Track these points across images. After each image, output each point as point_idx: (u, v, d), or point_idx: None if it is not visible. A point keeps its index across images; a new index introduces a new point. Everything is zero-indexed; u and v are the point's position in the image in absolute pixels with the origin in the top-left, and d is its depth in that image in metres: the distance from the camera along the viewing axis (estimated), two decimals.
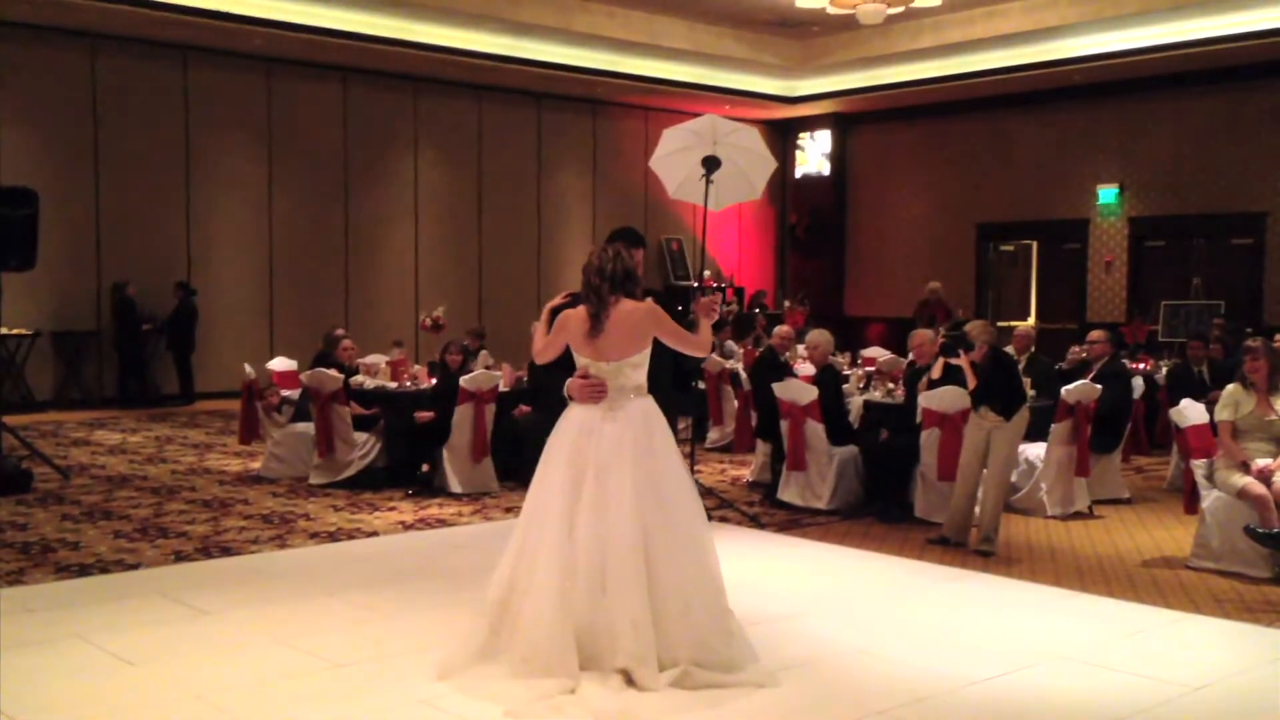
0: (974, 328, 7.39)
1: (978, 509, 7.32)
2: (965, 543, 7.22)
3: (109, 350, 14.52)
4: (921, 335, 8.79)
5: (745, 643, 4.72)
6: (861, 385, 9.64)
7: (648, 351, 4.67)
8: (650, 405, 4.70)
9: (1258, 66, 15.08)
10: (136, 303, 14.29)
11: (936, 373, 7.81)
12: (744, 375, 10.33)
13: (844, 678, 4.82)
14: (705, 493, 8.27)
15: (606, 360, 4.61)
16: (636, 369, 4.64)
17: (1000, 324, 17.68)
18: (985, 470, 7.27)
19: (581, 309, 4.68)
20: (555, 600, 4.44)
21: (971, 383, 7.23)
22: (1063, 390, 8.25)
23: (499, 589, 4.62)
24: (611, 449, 4.54)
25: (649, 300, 4.80)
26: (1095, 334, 9.28)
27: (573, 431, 4.63)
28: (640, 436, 4.58)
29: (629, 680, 4.41)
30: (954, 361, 7.35)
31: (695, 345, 4.78)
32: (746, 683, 4.52)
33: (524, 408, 9.29)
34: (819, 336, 9.06)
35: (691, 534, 4.63)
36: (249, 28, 13.82)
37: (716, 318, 4.85)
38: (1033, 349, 9.99)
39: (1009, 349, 10.19)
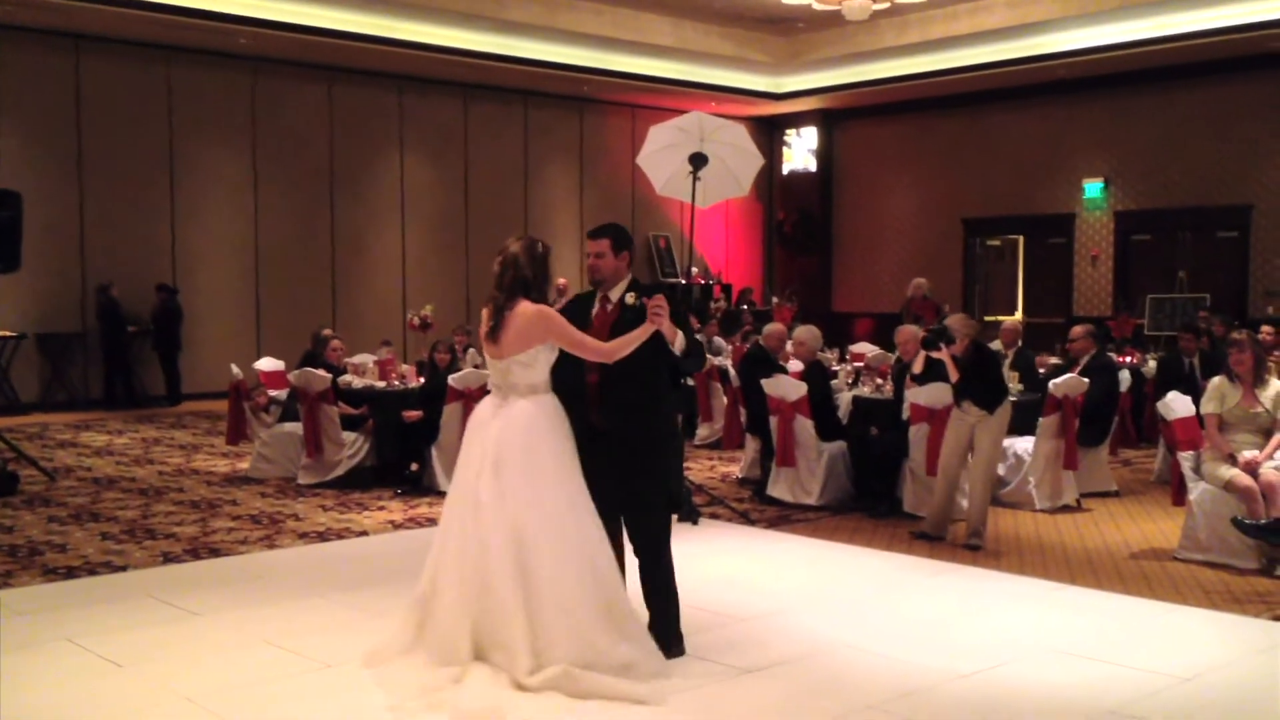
0: (955, 321, 7.41)
1: (964, 503, 7.34)
2: (944, 536, 7.25)
3: (94, 352, 14.46)
4: (907, 331, 8.80)
5: (647, 650, 4.59)
6: (850, 381, 9.65)
7: (535, 351, 4.61)
8: (537, 404, 4.62)
9: (1242, 60, 15.14)
10: (121, 304, 14.24)
11: (918, 367, 7.86)
12: (733, 372, 10.33)
13: (832, 672, 4.82)
14: (695, 490, 8.28)
15: (499, 358, 4.65)
16: (525, 368, 4.62)
17: (987, 319, 17.77)
18: (970, 465, 7.29)
19: (487, 309, 4.74)
20: (454, 591, 4.53)
21: (954, 376, 7.26)
22: (1050, 384, 8.28)
23: (423, 585, 4.70)
24: (494, 445, 4.56)
25: (543, 305, 4.69)
26: (1076, 330, 9.30)
27: (471, 427, 4.73)
28: (518, 435, 4.56)
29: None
30: (936, 355, 7.38)
31: (593, 353, 4.67)
32: (629, 696, 4.34)
33: None
34: (806, 332, 9.07)
35: (576, 532, 4.52)
36: (233, 27, 13.78)
37: (660, 322, 4.61)
38: (1019, 343, 10.01)
39: (995, 343, 10.23)
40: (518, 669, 4.37)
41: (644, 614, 4.90)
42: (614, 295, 4.94)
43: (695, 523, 7.66)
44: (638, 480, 4.83)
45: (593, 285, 5.03)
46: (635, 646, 4.55)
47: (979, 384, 7.19)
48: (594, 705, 4.31)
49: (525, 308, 4.63)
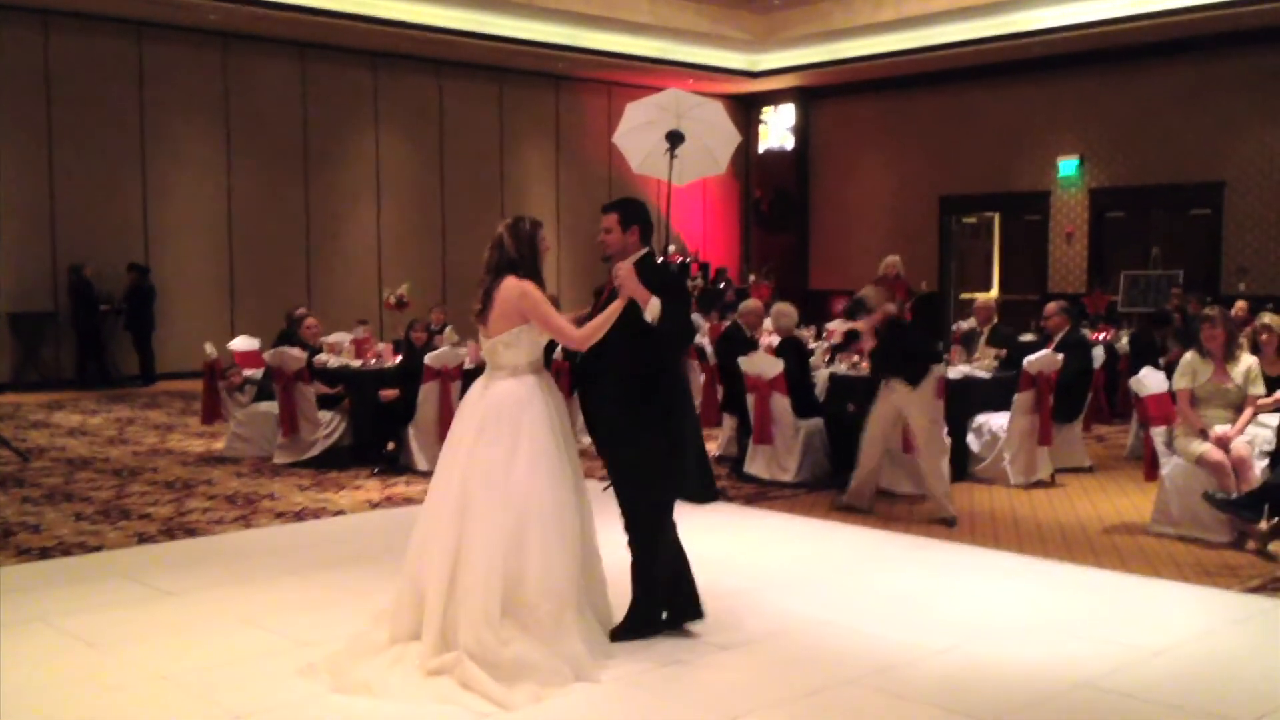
0: (868, 292, 7.54)
1: (938, 483, 7.37)
2: (866, 509, 7.37)
3: (67, 331, 14.34)
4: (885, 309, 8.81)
5: (558, 653, 4.36)
6: (827, 359, 9.67)
7: (518, 331, 4.59)
8: (518, 384, 4.60)
9: (1216, 37, 15.20)
10: (94, 283, 14.12)
11: (838, 338, 8.00)
12: (710, 349, 10.34)
13: (810, 648, 4.85)
14: None
15: (488, 337, 4.68)
16: (509, 348, 4.61)
17: (963, 296, 17.83)
18: (917, 447, 7.35)
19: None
20: (411, 571, 4.60)
21: (869, 342, 7.39)
22: (1025, 361, 8.32)
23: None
24: (476, 429, 4.56)
25: (527, 281, 4.64)
26: (1050, 307, 9.34)
27: (462, 407, 4.75)
28: (491, 417, 4.54)
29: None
30: (854, 326, 7.51)
31: (565, 337, 4.67)
32: (490, 696, 4.17)
33: None
34: (782, 309, 9.08)
35: (511, 518, 4.42)
36: (204, 2, 13.63)
37: (628, 290, 4.59)
38: (995, 320, 10.05)
39: (971, 321, 10.27)
40: (425, 650, 4.39)
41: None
42: None
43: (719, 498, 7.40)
44: (616, 466, 4.80)
45: (604, 261, 5.01)
46: (537, 647, 4.35)
47: (897, 355, 7.23)
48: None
49: (509, 283, 4.62)
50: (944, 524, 7.07)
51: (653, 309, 4.62)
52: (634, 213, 4.93)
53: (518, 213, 4.79)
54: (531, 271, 4.68)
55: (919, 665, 4.65)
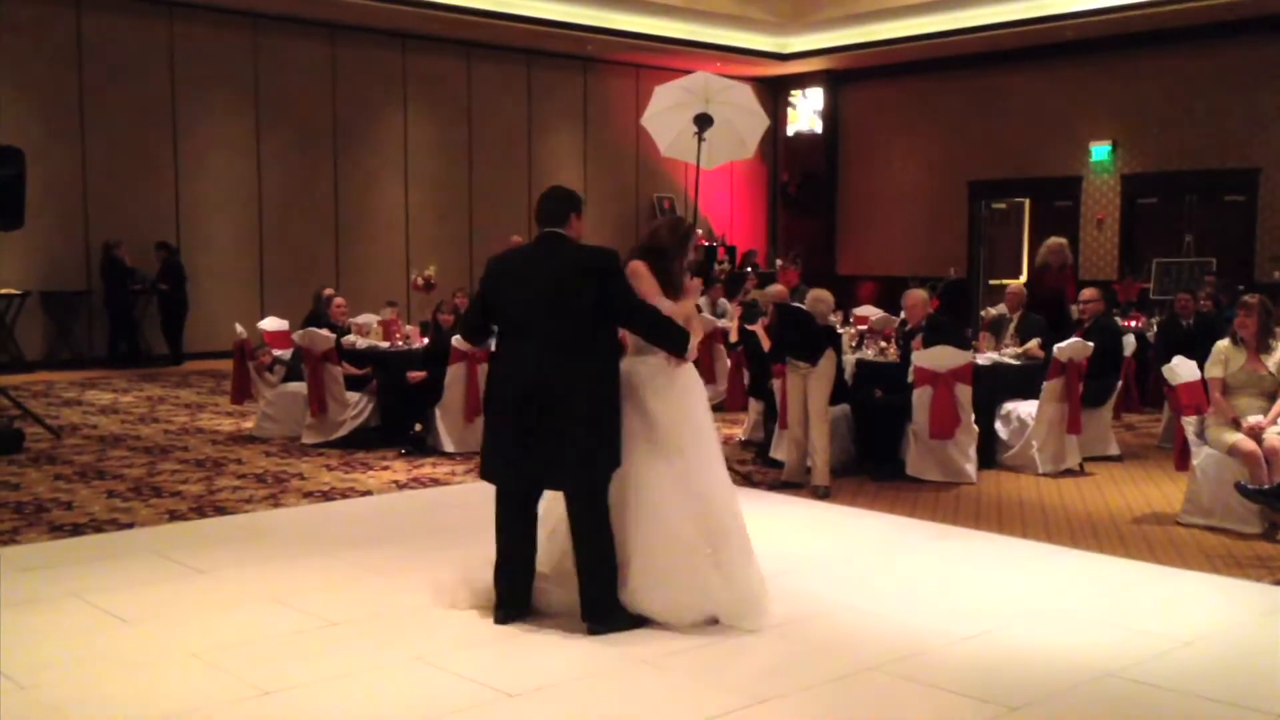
0: (760, 294, 7.93)
1: (821, 454, 7.57)
2: (805, 483, 7.64)
3: (99, 310, 14.47)
4: (914, 296, 8.76)
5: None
6: (854, 344, 9.63)
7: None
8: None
9: (1251, 21, 15.00)
10: (126, 262, 14.24)
11: (734, 336, 8.57)
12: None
13: (834, 634, 4.85)
14: None
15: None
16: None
17: (992, 282, 17.72)
18: (811, 418, 7.61)
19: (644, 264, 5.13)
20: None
21: (766, 344, 7.74)
22: (1055, 348, 8.26)
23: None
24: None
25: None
26: (1089, 292, 9.28)
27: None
28: (686, 380, 5.26)
29: None
30: (750, 328, 7.80)
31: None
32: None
33: None
34: (818, 295, 9.02)
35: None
36: None
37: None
38: (1023, 307, 9.97)
39: (1000, 307, 10.21)
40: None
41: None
42: None
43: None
44: None
45: None
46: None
47: (797, 342, 7.58)
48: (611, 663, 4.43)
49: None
50: (819, 497, 7.36)
51: None
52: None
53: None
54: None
55: (944, 652, 4.64)
